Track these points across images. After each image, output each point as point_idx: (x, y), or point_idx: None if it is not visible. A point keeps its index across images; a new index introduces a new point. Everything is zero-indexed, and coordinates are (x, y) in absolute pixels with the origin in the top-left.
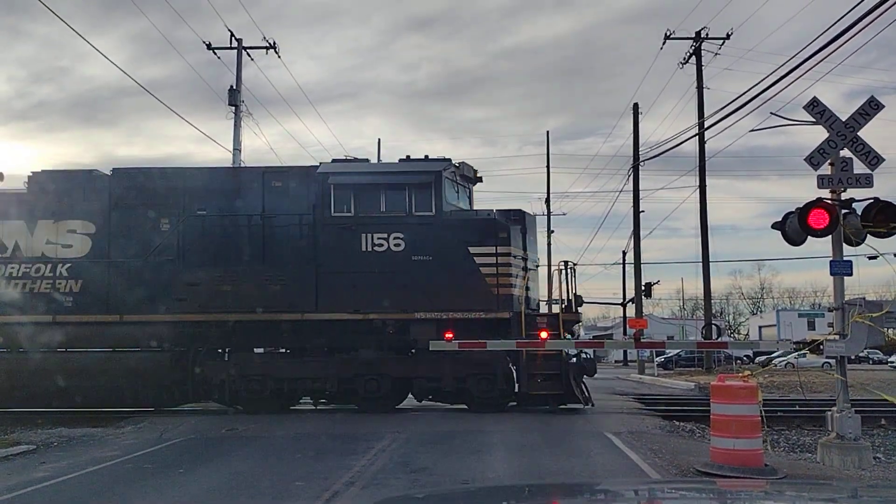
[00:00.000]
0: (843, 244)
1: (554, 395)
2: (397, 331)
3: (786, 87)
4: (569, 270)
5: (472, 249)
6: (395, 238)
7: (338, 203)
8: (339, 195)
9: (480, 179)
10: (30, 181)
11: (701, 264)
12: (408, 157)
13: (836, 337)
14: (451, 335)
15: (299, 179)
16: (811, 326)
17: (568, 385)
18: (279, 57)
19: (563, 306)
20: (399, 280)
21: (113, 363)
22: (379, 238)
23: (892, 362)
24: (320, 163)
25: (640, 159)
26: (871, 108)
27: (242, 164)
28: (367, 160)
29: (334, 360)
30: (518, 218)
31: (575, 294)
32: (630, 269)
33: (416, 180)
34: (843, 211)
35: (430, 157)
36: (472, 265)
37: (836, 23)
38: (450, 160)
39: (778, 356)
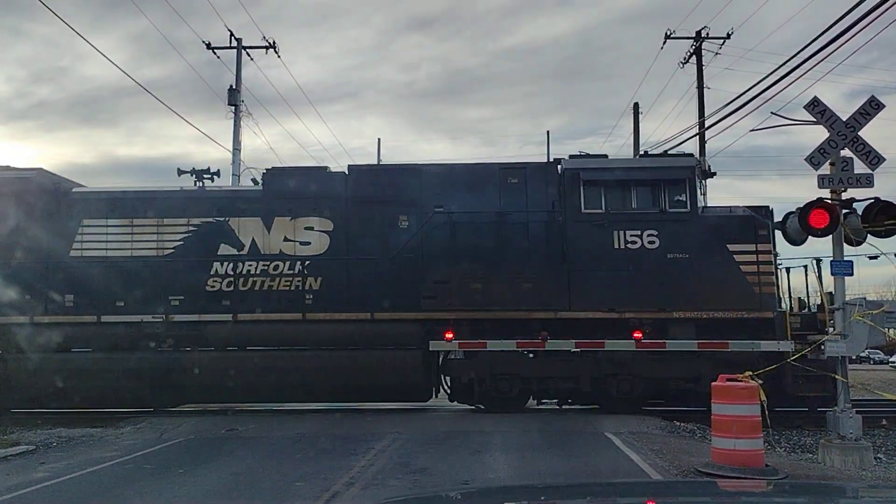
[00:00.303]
0: (844, 244)
1: (820, 396)
2: (654, 330)
3: (786, 86)
4: (818, 268)
5: (732, 247)
6: (648, 235)
7: (588, 200)
8: (589, 192)
9: (714, 174)
10: (264, 178)
11: None
12: (646, 152)
13: (838, 337)
14: (451, 335)
15: (538, 176)
16: None
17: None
18: (279, 57)
19: (818, 305)
20: (654, 278)
21: (363, 360)
22: (632, 235)
23: (893, 362)
24: (554, 159)
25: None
26: (872, 107)
27: (242, 164)
28: (605, 156)
29: (586, 360)
30: (769, 215)
31: (829, 292)
32: None
33: (670, 176)
34: (844, 211)
35: (669, 153)
36: (732, 263)
37: (836, 23)
38: (692, 155)
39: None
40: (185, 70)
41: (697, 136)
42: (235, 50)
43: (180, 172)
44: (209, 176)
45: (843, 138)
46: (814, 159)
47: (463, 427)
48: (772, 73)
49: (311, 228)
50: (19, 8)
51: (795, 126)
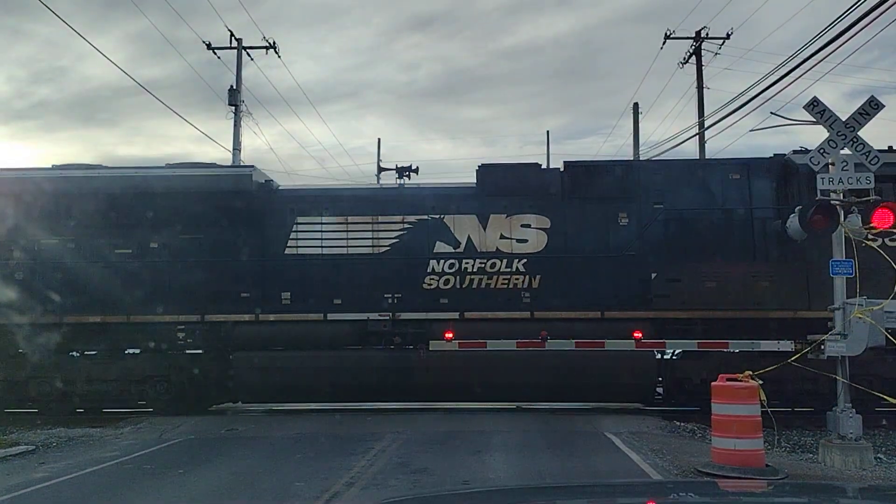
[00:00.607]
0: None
1: None
2: None
3: (786, 86)
4: None
5: None
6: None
7: None
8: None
9: None
10: (478, 175)
11: None
12: (890, 147)
13: (838, 336)
14: (450, 335)
15: (761, 171)
16: None
17: None
18: (279, 57)
19: None
20: None
21: (597, 360)
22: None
23: None
24: (774, 154)
25: (641, 159)
26: (872, 107)
27: (242, 163)
28: None
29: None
30: None
31: None
32: None
33: None
34: (844, 210)
35: None
36: None
37: (835, 22)
38: None
39: None
40: (185, 70)
41: (697, 136)
42: (235, 50)
43: (381, 170)
44: (407, 173)
45: (843, 138)
46: (814, 159)
47: (463, 427)
48: (772, 72)
49: (528, 226)
50: (19, 8)
51: (795, 126)
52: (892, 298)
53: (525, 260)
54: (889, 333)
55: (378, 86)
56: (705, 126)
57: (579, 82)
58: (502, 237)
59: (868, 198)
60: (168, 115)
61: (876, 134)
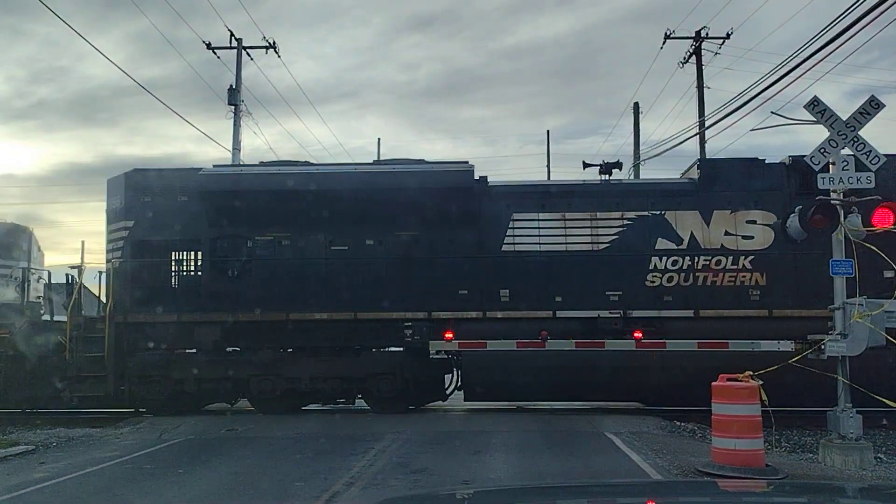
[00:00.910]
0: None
1: None
2: None
3: (786, 86)
4: None
5: None
6: None
7: None
8: None
9: None
10: (700, 170)
11: None
12: None
13: (838, 337)
14: (451, 335)
15: None
16: None
17: None
18: (279, 57)
19: None
20: None
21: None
22: None
23: None
24: None
25: (641, 158)
26: (872, 107)
27: (241, 163)
28: None
29: None
30: None
31: None
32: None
33: None
34: (844, 210)
35: None
36: None
37: (835, 22)
38: None
39: None
40: (185, 70)
41: (697, 136)
42: (235, 50)
43: (585, 165)
44: (611, 169)
45: (844, 138)
46: (814, 159)
47: (463, 427)
48: (772, 72)
49: (754, 222)
50: (19, 8)
51: (796, 126)
52: (892, 298)
53: (752, 257)
54: (888, 334)
55: (378, 86)
56: (705, 126)
57: (579, 82)
58: (727, 233)
59: (869, 197)
60: (168, 115)
61: (876, 134)
